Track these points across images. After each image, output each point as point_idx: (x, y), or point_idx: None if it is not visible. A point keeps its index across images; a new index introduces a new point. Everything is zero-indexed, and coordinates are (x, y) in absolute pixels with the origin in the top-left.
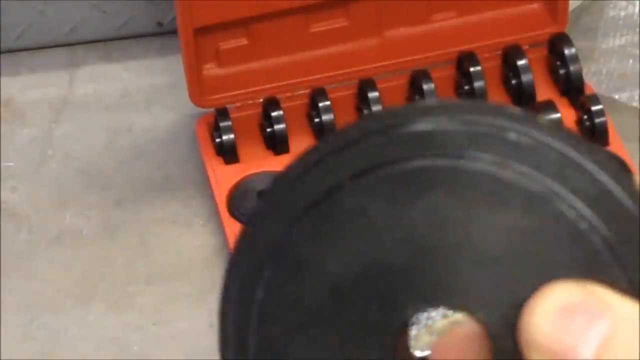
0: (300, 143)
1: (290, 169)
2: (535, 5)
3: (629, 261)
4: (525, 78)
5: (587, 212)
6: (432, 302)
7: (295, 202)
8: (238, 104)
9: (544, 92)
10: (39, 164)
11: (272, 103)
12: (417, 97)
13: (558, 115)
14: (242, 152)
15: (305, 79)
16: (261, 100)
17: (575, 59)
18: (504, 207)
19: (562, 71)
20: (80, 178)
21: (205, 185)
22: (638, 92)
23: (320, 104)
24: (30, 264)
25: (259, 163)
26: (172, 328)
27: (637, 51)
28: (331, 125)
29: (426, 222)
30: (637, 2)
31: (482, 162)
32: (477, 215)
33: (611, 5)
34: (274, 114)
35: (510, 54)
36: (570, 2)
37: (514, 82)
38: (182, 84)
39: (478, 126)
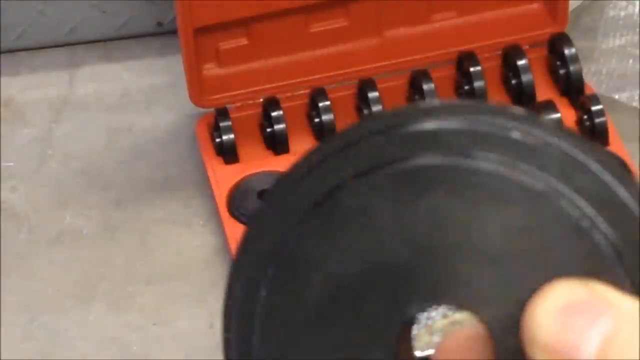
0: (300, 143)
1: (293, 169)
2: (535, 5)
3: (631, 261)
4: (525, 78)
5: (590, 211)
6: (435, 301)
7: (299, 202)
8: (238, 104)
9: (544, 92)
10: (39, 164)
11: (272, 103)
12: (417, 97)
13: (558, 115)
14: (242, 152)
15: (305, 79)
16: (261, 100)
17: (575, 59)
18: (507, 205)
19: (562, 71)
20: (80, 178)
21: (205, 185)
22: (638, 92)
23: (320, 104)
24: (30, 264)
25: (259, 163)
26: (172, 328)
27: (637, 51)
28: (331, 125)
29: (429, 220)
30: (637, 2)
31: (485, 161)
32: (479, 214)
33: (611, 5)
34: (274, 114)
35: (510, 54)
36: (570, 2)
37: (514, 82)
38: (182, 84)
39: (481, 126)
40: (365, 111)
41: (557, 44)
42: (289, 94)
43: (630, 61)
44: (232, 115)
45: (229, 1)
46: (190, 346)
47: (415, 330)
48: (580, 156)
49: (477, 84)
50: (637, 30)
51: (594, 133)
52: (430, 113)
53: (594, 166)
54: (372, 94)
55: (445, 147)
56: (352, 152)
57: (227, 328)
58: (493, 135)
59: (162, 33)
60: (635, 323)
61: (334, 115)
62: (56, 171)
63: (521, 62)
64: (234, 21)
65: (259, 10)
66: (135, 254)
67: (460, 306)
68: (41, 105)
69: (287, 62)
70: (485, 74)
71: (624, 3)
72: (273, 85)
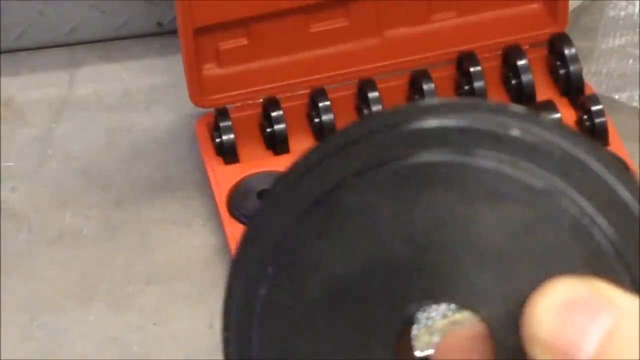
0: (300, 143)
1: (293, 168)
2: (535, 5)
3: (631, 258)
4: (525, 78)
5: (590, 209)
6: (435, 299)
7: (299, 200)
8: (238, 104)
9: (544, 92)
10: (39, 164)
11: (272, 103)
12: (417, 97)
13: (558, 115)
14: (242, 152)
15: (305, 79)
16: (261, 100)
17: (575, 59)
18: (507, 203)
19: (562, 71)
20: (80, 178)
21: (205, 185)
22: (638, 92)
23: (320, 104)
24: (30, 264)
25: (259, 163)
26: (172, 328)
27: (637, 51)
28: (331, 125)
29: (429, 219)
30: (637, 2)
31: (486, 159)
32: (480, 212)
33: (611, 5)
34: (274, 114)
35: (510, 54)
36: (570, 2)
37: (514, 82)
38: (182, 84)
39: (481, 123)
40: (365, 111)
41: (557, 44)
42: (289, 94)
43: (630, 61)
44: (232, 115)
45: (229, 1)
46: (190, 346)
47: (415, 330)
48: (581, 154)
49: (477, 84)
50: (637, 30)
51: (594, 133)
52: (430, 111)
53: (595, 164)
54: (372, 94)
55: (445, 145)
56: (352, 151)
57: (226, 327)
58: (493, 133)
59: (162, 33)
60: (636, 320)
61: (334, 115)
62: (56, 171)
63: (521, 62)
64: (234, 21)
65: (259, 10)
66: (135, 254)
67: (460, 304)
68: (41, 105)
69: (287, 62)
70: (485, 74)
71: (624, 3)
72: (273, 85)
